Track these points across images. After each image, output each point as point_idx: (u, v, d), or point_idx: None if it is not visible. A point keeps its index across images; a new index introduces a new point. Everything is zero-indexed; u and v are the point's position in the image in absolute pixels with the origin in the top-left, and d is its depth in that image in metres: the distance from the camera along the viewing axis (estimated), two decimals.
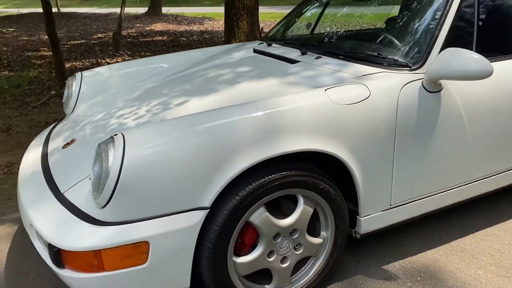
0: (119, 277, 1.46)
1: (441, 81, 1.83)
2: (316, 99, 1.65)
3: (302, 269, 1.82)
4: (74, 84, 2.42)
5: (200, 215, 1.48)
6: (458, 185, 2.03)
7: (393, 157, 1.79)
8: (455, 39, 1.96)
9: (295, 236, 1.70)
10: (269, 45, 2.50)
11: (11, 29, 12.80)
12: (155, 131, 1.50)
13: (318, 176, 1.66)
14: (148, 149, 1.43)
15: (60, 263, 1.47)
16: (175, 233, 1.46)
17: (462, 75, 1.70)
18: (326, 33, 2.45)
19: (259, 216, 1.60)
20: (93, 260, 1.43)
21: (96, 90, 2.43)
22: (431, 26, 1.92)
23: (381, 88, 1.74)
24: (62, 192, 1.65)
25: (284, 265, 1.72)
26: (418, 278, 1.94)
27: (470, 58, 1.69)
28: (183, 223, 1.47)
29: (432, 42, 1.87)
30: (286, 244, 1.69)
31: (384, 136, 1.73)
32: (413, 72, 1.84)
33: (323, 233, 1.79)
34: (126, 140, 1.44)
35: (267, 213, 1.61)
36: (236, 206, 1.52)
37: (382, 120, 1.72)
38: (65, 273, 1.47)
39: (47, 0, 5.32)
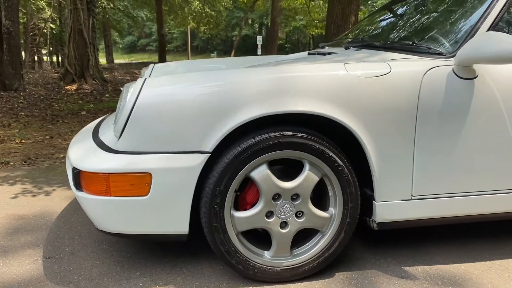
0: (123, 204, 1.60)
1: (475, 67, 1.74)
2: (332, 70, 1.69)
3: (307, 244, 1.78)
4: (146, 73, 2.76)
5: (201, 158, 1.58)
6: (495, 192, 1.83)
7: (413, 141, 1.71)
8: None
9: (297, 202, 1.69)
10: (322, 47, 2.60)
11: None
12: (174, 79, 1.67)
13: (325, 143, 1.66)
14: (163, 91, 1.60)
15: (78, 185, 1.67)
16: (176, 170, 1.58)
17: (491, 57, 1.61)
18: (371, 29, 2.48)
19: (260, 172, 1.64)
20: (102, 184, 1.60)
21: None
22: (474, 17, 1.86)
23: (404, 67, 1.72)
24: (99, 135, 1.88)
25: (284, 231, 1.70)
26: (439, 283, 1.76)
27: (499, 39, 1.60)
28: (184, 163, 1.58)
29: (472, 33, 1.81)
30: (287, 208, 1.69)
31: (403, 115, 1.68)
32: (446, 59, 1.78)
33: (331, 209, 1.75)
34: (145, 82, 1.63)
35: (268, 171, 1.65)
36: (237, 156, 1.60)
37: (401, 98, 1.68)
38: (81, 195, 1.66)
39: (162, 33, 6.11)
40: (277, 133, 1.62)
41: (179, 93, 1.60)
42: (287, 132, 1.63)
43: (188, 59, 32.13)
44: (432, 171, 1.75)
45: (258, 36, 29.46)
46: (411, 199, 1.77)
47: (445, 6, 2.17)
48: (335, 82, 1.65)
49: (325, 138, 1.68)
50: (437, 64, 1.74)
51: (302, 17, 19.72)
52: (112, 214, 1.63)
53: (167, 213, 1.62)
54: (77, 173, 1.66)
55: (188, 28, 28.90)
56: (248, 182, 1.70)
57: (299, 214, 1.71)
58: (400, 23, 2.39)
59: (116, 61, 26.31)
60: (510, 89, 1.76)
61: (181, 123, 1.57)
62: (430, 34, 2.01)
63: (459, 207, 1.81)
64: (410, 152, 1.72)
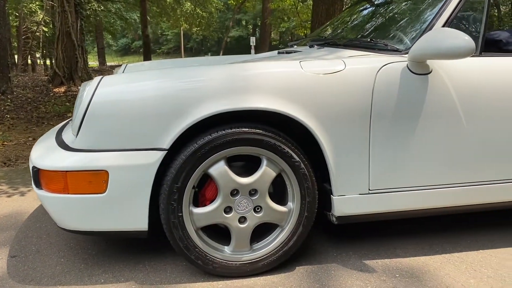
0: (81, 201, 1.62)
1: (429, 63, 1.78)
2: (288, 67, 1.72)
3: (267, 238, 1.81)
4: (118, 72, 2.78)
5: (158, 155, 1.61)
6: (451, 185, 1.86)
7: (369, 137, 1.74)
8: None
9: (255, 197, 1.72)
10: (291, 46, 2.63)
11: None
12: (130, 77, 1.70)
13: (282, 139, 1.69)
14: (118, 89, 1.63)
15: (37, 183, 1.69)
16: (133, 168, 1.60)
17: (441, 52, 1.65)
18: (336, 28, 2.51)
19: (217, 169, 1.67)
20: (60, 182, 1.62)
21: None
22: (430, 14, 1.90)
23: (358, 64, 1.75)
24: (61, 134, 1.90)
25: (242, 226, 1.73)
26: (397, 275, 1.79)
27: (449, 35, 1.64)
28: (141, 160, 1.60)
29: (428, 29, 1.84)
30: (245, 203, 1.72)
31: (357, 111, 1.71)
32: (402, 55, 1.81)
33: (289, 204, 1.78)
34: (102, 81, 1.65)
35: (226, 167, 1.67)
36: (193, 152, 1.62)
37: (355, 95, 1.71)
38: (40, 193, 1.68)
39: (147, 34, 6.13)
40: (234, 130, 1.65)
41: (134, 91, 1.62)
42: (243, 129, 1.65)
43: None
44: (388, 165, 1.78)
45: (251, 37, 29.47)
46: (369, 193, 1.81)
47: (405, 3, 2.20)
48: (290, 79, 1.68)
49: (282, 134, 1.71)
50: (392, 60, 1.78)
51: (293, 18, 19.81)
52: (71, 211, 1.65)
53: (125, 210, 1.64)
54: (36, 171, 1.68)
55: (181, 29, 28.92)
56: (207, 178, 1.72)
57: (258, 209, 1.74)
58: (362, 21, 2.43)
59: (110, 63, 26.24)
60: (464, 83, 1.80)
61: (137, 120, 1.60)
62: (389, 30, 2.05)
63: (416, 200, 1.85)
64: (366, 147, 1.75)
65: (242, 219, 1.74)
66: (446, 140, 1.81)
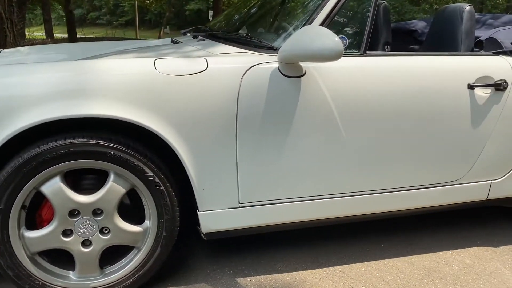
0: None
1: (302, 64, 1.59)
2: (138, 67, 1.48)
3: (121, 261, 1.60)
4: None
5: None
6: (327, 196, 1.71)
7: (235, 147, 1.55)
8: (341, 28, 1.72)
9: (101, 218, 1.50)
10: (184, 34, 2.39)
11: None
12: None
13: (130, 151, 1.47)
14: None
15: None
16: None
17: (308, 54, 1.46)
18: (222, 19, 2.29)
19: (51, 186, 1.43)
20: None
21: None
22: (312, 7, 1.71)
23: (223, 64, 1.54)
24: None
25: (87, 250, 1.51)
26: None
27: (318, 34, 1.45)
28: None
29: (307, 25, 1.64)
30: (88, 224, 1.49)
31: (221, 119, 1.51)
32: (275, 55, 1.61)
33: (146, 222, 1.58)
34: None
35: (62, 184, 1.44)
36: (17, 168, 1.37)
37: (218, 100, 1.50)
38: None
39: (70, 10, 5.68)
40: (69, 141, 1.40)
41: None
42: (80, 139, 1.42)
43: (136, 34, 30.97)
44: (259, 177, 1.61)
45: (209, 11, 28.67)
46: (239, 207, 1.63)
47: None
48: (140, 81, 1.45)
49: (131, 145, 1.48)
50: (263, 60, 1.58)
51: None
52: None
53: None
54: None
55: (136, 1, 27.81)
56: (44, 196, 1.48)
57: (105, 230, 1.52)
58: (253, 10, 2.20)
59: (62, 35, 24.79)
60: (342, 86, 1.62)
61: None
62: (271, 24, 1.85)
63: (290, 213, 1.69)
64: (233, 158, 1.56)
65: (87, 242, 1.52)
66: (321, 149, 1.64)
